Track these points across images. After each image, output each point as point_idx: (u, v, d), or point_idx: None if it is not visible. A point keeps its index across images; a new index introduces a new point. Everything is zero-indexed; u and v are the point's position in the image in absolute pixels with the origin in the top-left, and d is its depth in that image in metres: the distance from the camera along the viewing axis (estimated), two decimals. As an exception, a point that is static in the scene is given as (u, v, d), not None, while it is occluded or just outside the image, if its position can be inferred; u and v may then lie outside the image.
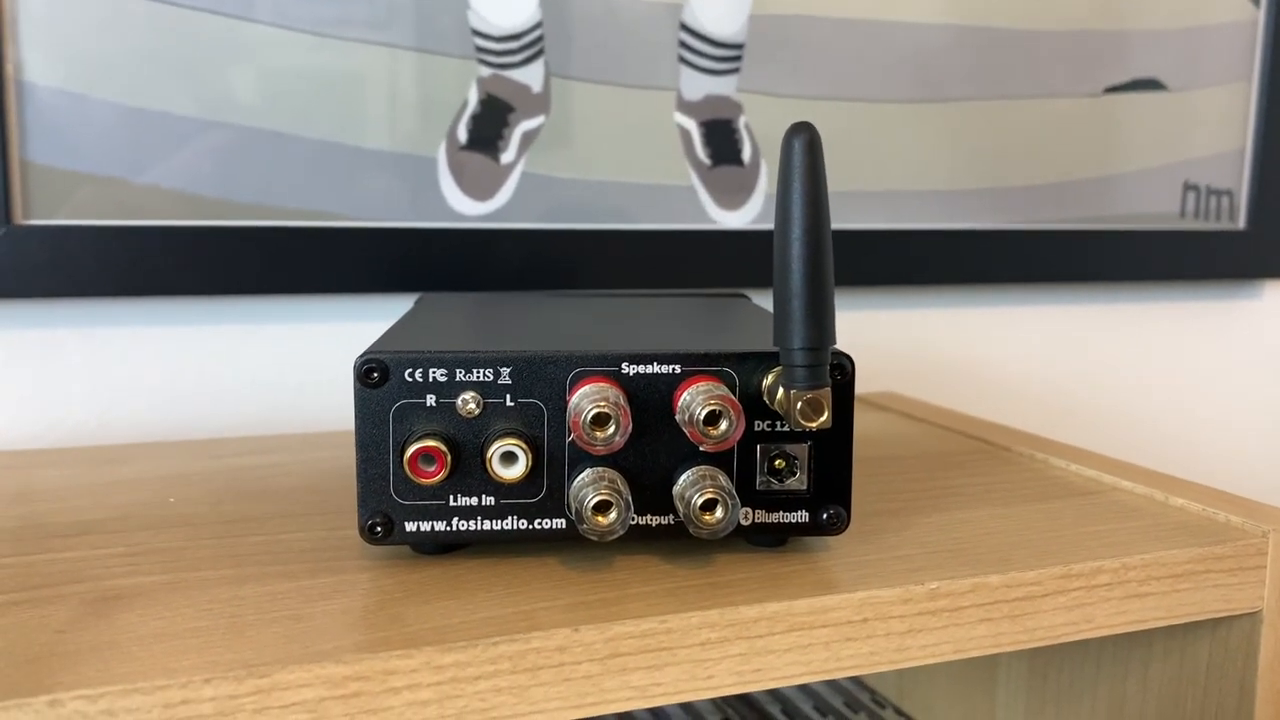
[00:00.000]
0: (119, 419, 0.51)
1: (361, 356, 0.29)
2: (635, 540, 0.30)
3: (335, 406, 0.54)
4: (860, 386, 0.57)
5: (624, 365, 0.30)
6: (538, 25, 0.54)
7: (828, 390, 0.28)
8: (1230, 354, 0.74)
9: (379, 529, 0.29)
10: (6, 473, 0.41)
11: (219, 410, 0.52)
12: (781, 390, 0.28)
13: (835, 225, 0.56)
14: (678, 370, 0.30)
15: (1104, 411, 0.71)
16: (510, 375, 0.29)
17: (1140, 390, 0.72)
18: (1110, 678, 0.39)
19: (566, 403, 0.29)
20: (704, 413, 0.28)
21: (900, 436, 0.48)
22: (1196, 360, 0.73)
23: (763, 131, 0.59)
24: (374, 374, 0.29)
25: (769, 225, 0.60)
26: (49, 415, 0.50)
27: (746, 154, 0.59)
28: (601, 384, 0.29)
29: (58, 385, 0.50)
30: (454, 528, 0.30)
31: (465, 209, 0.54)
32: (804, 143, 0.27)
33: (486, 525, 0.30)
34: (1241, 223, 0.72)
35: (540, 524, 0.30)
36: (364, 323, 0.54)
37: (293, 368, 0.53)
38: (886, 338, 0.64)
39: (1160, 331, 0.72)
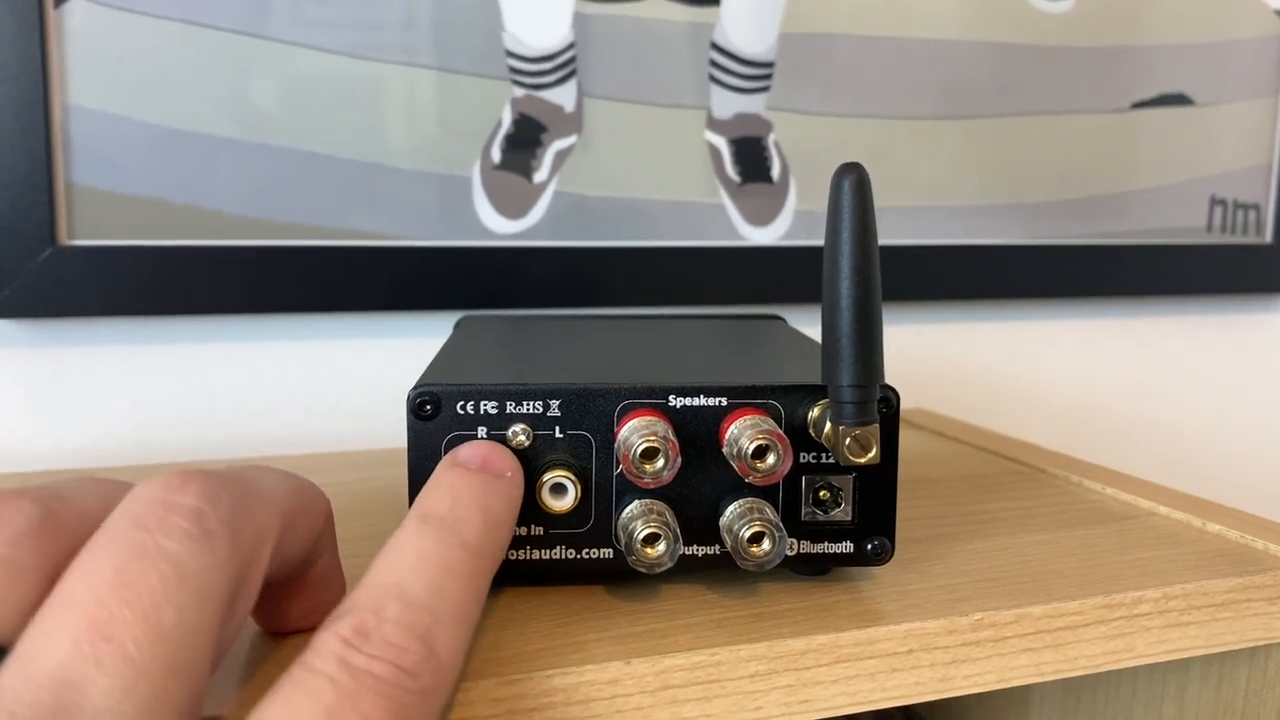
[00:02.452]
0: (159, 436, 0.51)
1: (415, 389, 0.30)
2: (680, 570, 0.31)
3: (371, 424, 0.54)
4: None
5: (671, 398, 0.30)
6: (570, 46, 0.55)
7: (876, 427, 0.28)
8: (1257, 367, 0.74)
9: (430, 559, 0.30)
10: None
11: (257, 428, 0.53)
12: (829, 426, 0.29)
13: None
14: (724, 403, 0.30)
15: (1130, 425, 0.71)
16: (560, 407, 0.30)
17: (1166, 404, 0.72)
18: (1146, 702, 0.40)
19: (615, 434, 0.30)
20: (752, 447, 0.28)
21: (934, 456, 0.48)
22: (1223, 373, 0.73)
23: (792, 149, 0.59)
24: (427, 406, 0.30)
25: (798, 241, 0.60)
26: (91, 432, 0.51)
27: (776, 171, 0.59)
28: (650, 417, 0.29)
29: (100, 403, 0.51)
30: (505, 557, 0.30)
31: (498, 227, 0.55)
32: (853, 182, 0.27)
33: (536, 555, 0.30)
34: (1268, 236, 0.72)
35: (588, 554, 0.30)
36: (400, 339, 0.55)
37: (331, 385, 0.54)
38: (913, 352, 0.64)
39: (1186, 345, 0.72)
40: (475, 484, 0.27)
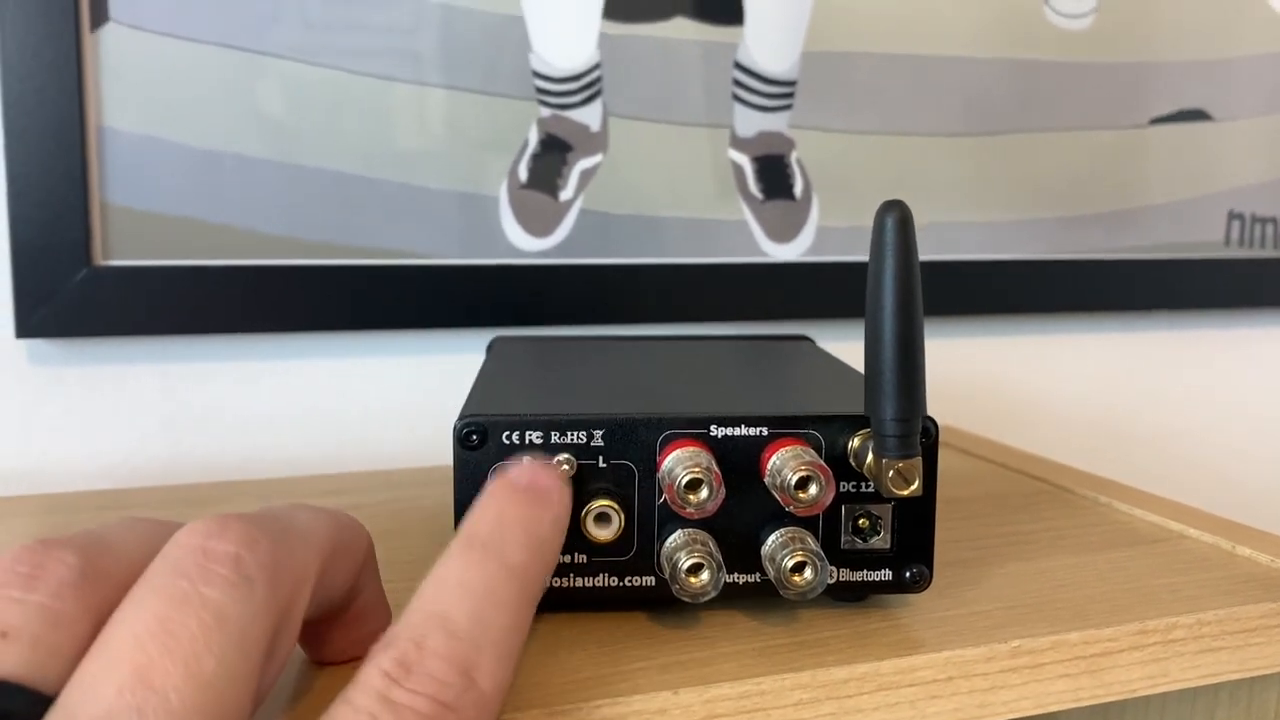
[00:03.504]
0: (191, 454, 0.52)
1: (460, 420, 0.30)
2: (720, 597, 0.31)
3: (404, 442, 0.55)
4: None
5: (713, 428, 0.31)
6: (596, 66, 0.55)
7: (919, 460, 0.28)
8: (1276, 379, 0.75)
9: (476, 586, 0.30)
10: (95, 512, 0.43)
11: (289, 446, 0.53)
12: (872, 457, 0.29)
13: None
14: (765, 433, 0.31)
15: (1151, 439, 0.72)
16: (603, 437, 0.30)
17: (1187, 417, 0.72)
18: (1175, 723, 0.40)
19: (658, 464, 0.30)
20: (795, 478, 0.29)
21: (962, 475, 0.49)
22: (1243, 387, 0.74)
23: (814, 166, 0.60)
24: (474, 436, 0.30)
25: (820, 257, 0.60)
26: (125, 449, 0.51)
27: (798, 188, 0.60)
28: (693, 448, 0.30)
29: (133, 421, 0.51)
30: (549, 585, 0.31)
31: (525, 245, 0.55)
32: (896, 220, 0.28)
33: (580, 583, 0.31)
34: (1287, 250, 0.72)
35: (631, 582, 0.31)
36: (431, 356, 0.55)
37: (362, 403, 0.54)
38: (935, 367, 0.64)
39: (1206, 358, 0.72)
40: (522, 505, 0.27)
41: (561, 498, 0.28)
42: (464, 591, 0.23)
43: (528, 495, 0.27)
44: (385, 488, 0.47)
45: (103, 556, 0.22)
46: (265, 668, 0.21)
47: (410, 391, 0.55)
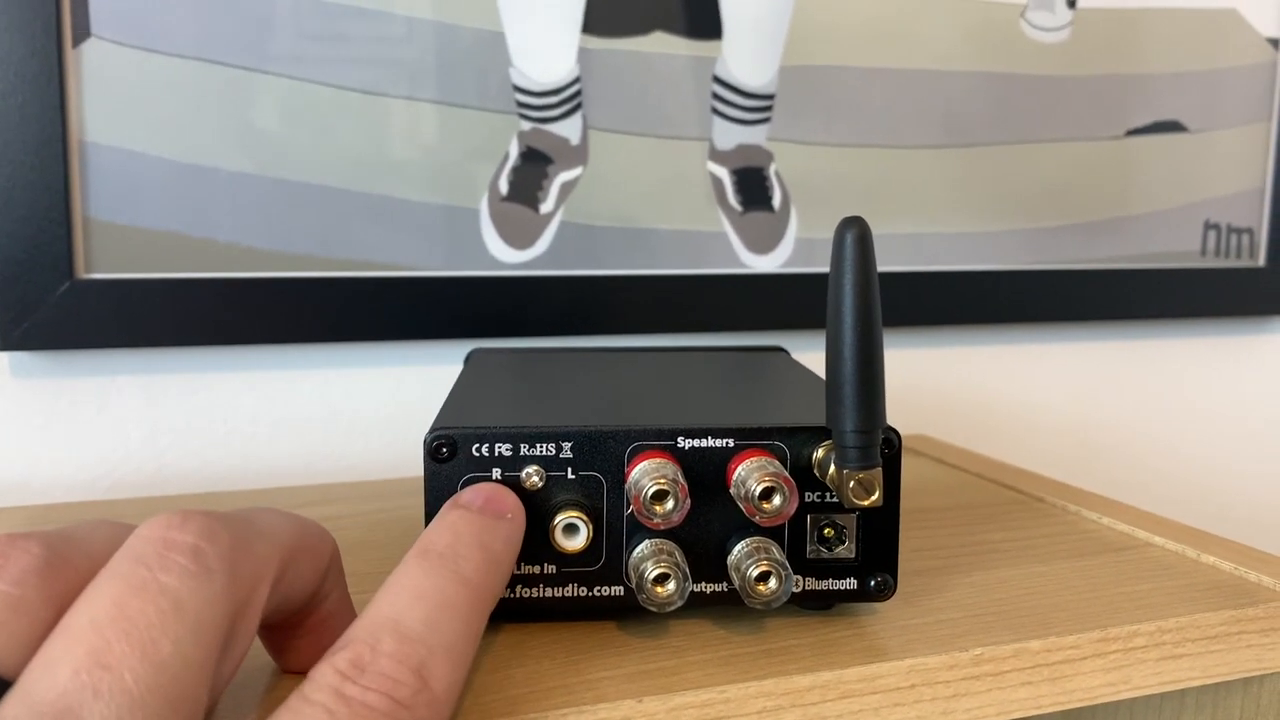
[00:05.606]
0: (174, 466, 0.52)
1: (431, 433, 0.30)
2: (689, 606, 0.32)
3: (385, 454, 0.55)
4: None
5: (680, 439, 0.31)
6: (576, 80, 0.56)
7: (879, 471, 0.29)
8: (1252, 389, 0.75)
9: (447, 597, 0.31)
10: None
11: (271, 458, 0.54)
12: (834, 469, 0.30)
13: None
14: (731, 444, 0.31)
15: (1125, 447, 0.72)
16: (572, 449, 0.31)
17: (1161, 425, 0.73)
18: (1142, 729, 0.40)
19: (625, 475, 0.31)
20: (760, 489, 0.29)
21: (934, 484, 0.49)
22: (1218, 395, 0.74)
23: (793, 178, 0.61)
24: (443, 449, 0.31)
25: (798, 269, 0.61)
26: (108, 462, 0.51)
27: (777, 200, 0.60)
28: (659, 459, 0.30)
29: (116, 433, 0.52)
30: (518, 595, 0.31)
31: (506, 257, 0.56)
32: (855, 236, 0.28)
33: (549, 593, 0.31)
34: (1262, 259, 0.73)
35: (599, 591, 0.31)
36: (412, 367, 0.56)
37: (344, 414, 0.55)
38: (911, 377, 0.65)
39: (1181, 367, 0.73)
40: (476, 523, 0.27)
41: (516, 516, 0.29)
42: (417, 598, 0.24)
43: (482, 514, 0.28)
44: (367, 498, 0.47)
45: (67, 548, 0.22)
46: (223, 659, 0.22)
47: (391, 402, 0.55)
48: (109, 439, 0.51)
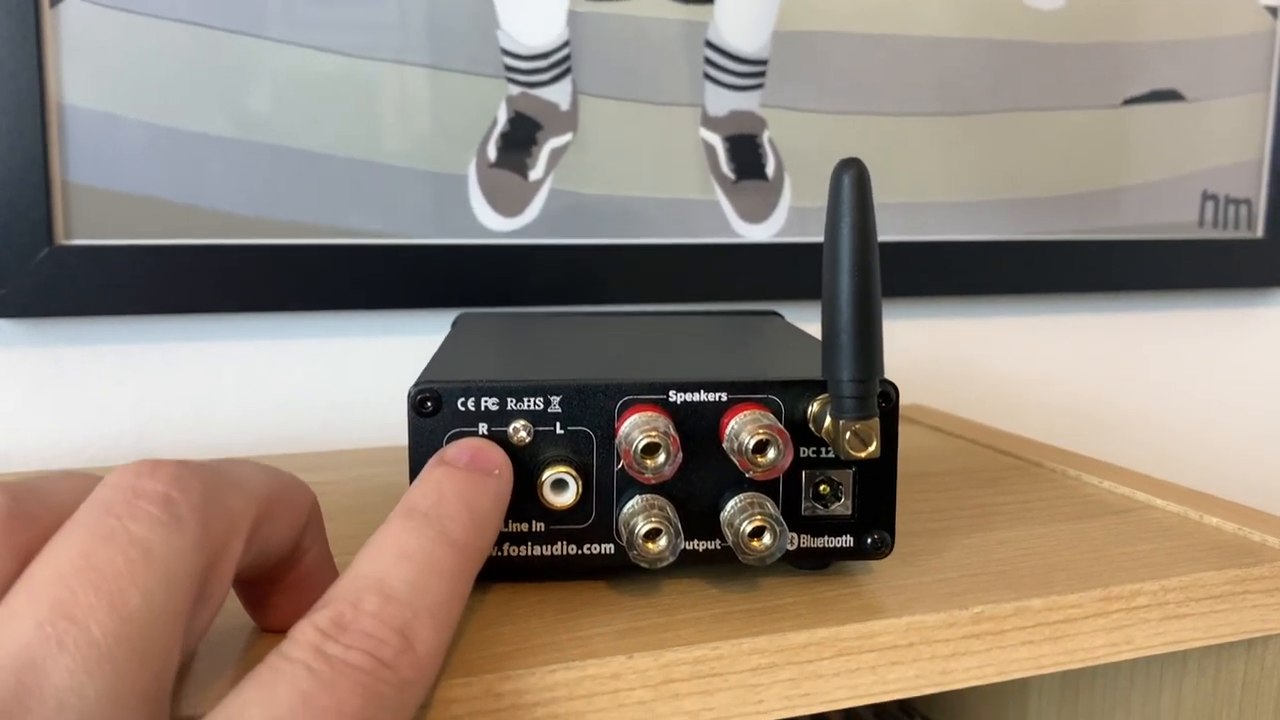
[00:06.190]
0: (158, 434, 0.51)
1: (415, 386, 0.30)
2: (682, 565, 0.31)
3: (371, 421, 0.54)
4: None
5: (671, 393, 0.30)
6: (565, 44, 0.55)
7: (876, 421, 0.28)
8: (1249, 360, 0.75)
9: (432, 555, 0.30)
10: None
11: (257, 426, 0.53)
12: (830, 420, 0.29)
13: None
14: (724, 398, 0.30)
15: (1123, 418, 0.72)
16: (560, 404, 0.30)
17: (1159, 397, 0.73)
18: (1144, 693, 0.40)
19: (615, 430, 0.30)
20: (753, 442, 0.29)
21: (931, 451, 0.49)
22: (1215, 367, 0.74)
23: (786, 146, 0.60)
24: (428, 403, 0.30)
25: (792, 238, 0.60)
26: (91, 431, 0.50)
27: (770, 168, 0.60)
28: (650, 413, 0.30)
29: (99, 402, 0.51)
30: (505, 554, 0.30)
31: (495, 225, 0.55)
32: (853, 177, 0.27)
33: (537, 551, 0.30)
34: (1260, 231, 0.72)
35: (589, 549, 0.31)
36: (399, 336, 0.55)
37: (330, 383, 0.54)
38: (909, 348, 0.64)
39: (1178, 339, 0.72)
40: (462, 481, 0.26)
41: (503, 472, 0.28)
42: (401, 558, 0.23)
43: (468, 471, 0.27)
44: (353, 465, 0.46)
45: (32, 500, 0.21)
46: (196, 613, 0.21)
47: (379, 371, 0.54)
48: (91, 408, 0.50)
